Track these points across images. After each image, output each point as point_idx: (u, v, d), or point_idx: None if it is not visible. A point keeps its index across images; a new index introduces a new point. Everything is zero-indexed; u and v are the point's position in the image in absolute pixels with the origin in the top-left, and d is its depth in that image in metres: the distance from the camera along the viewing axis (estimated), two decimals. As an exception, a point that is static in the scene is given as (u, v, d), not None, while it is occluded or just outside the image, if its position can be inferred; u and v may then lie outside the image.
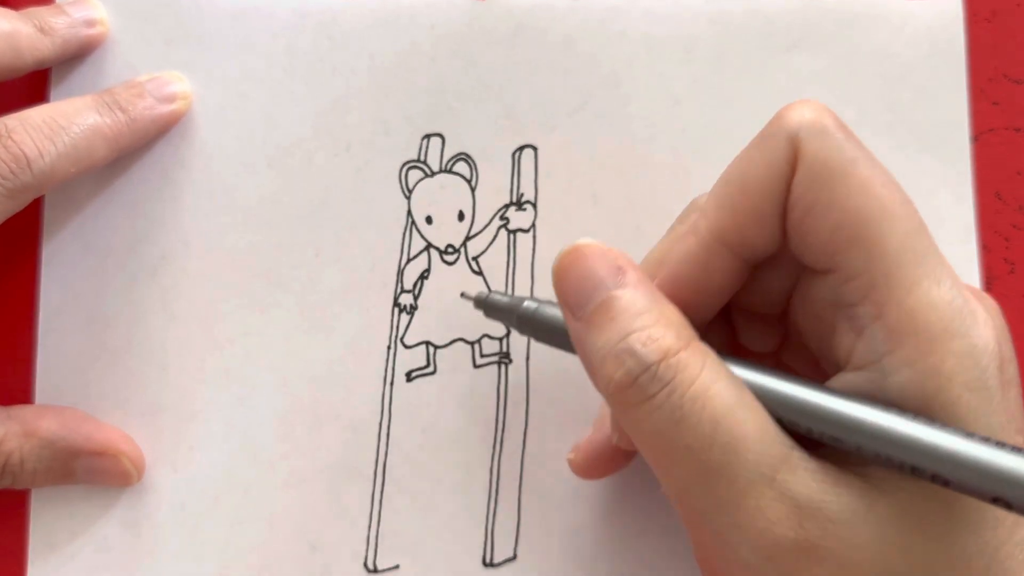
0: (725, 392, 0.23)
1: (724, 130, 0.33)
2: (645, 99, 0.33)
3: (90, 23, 0.33)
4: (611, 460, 0.29)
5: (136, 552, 0.32)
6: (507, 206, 0.33)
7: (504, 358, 0.33)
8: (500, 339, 0.33)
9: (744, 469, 0.22)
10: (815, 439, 0.23)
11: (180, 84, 0.33)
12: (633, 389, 0.23)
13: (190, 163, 0.33)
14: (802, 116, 0.23)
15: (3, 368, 0.33)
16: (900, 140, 0.33)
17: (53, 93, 0.33)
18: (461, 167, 0.33)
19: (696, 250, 0.25)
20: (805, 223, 0.23)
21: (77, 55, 0.33)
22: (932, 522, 0.22)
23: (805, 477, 0.22)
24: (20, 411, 0.31)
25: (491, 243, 0.33)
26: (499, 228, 0.33)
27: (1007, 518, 0.22)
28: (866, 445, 0.22)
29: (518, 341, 0.33)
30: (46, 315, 0.33)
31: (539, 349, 0.33)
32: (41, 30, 0.31)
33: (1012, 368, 0.23)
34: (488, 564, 0.32)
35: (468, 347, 0.33)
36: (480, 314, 0.32)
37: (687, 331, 0.24)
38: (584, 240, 0.26)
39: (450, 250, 0.33)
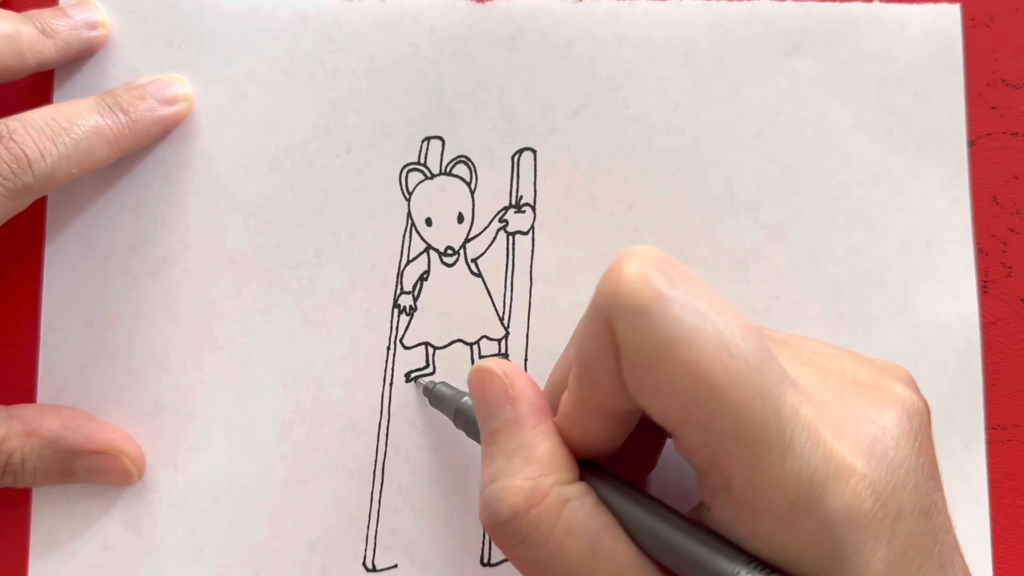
0: (580, 544, 0.23)
1: (723, 134, 0.33)
2: (644, 103, 0.33)
3: (92, 25, 0.33)
4: None
5: (137, 551, 0.32)
6: (506, 208, 0.33)
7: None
8: (499, 340, 0.33)
9: None
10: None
11: (181, 86, 0.33)
12: (494, 537, 0.24)
13: (191, 164, 0.33)
14: (614, 293, 0.21)
15: (5, 367, 0.33)
16: (898, 144, 0.33)
17: (57, 95, 0.33)
18: (461, 169, 0.33)
19: (571, 411, 0.25)
20: (639, 400, 0.22)
21: (79, 57, 0.33)
22: None
23: None
24: (21, 410, 0.31)
25: (490, 245, 0.33)
26: (498, 230, 0.33)
27: None
28: None
29: (517, 342, 0.33)
30: (48, 315, 0.33)
31: (537, 350, 0.33)
32: (43, 32, 0.31)
33: (904, 495, 0.22)
34: (486, 564, 0.32)
35: (467, 348, 0.33)
36: (479, 315, 0.33)
37: (552, 476, 0.24)
38: (488, 362, 0.27)
39: (449, 252, 0.33)
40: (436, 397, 0.31)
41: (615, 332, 0.22)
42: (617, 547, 0.23)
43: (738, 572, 0.21)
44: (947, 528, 0.23)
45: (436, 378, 0.32)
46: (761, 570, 0.21)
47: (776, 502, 0.21)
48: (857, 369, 0.25)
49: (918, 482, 0.22)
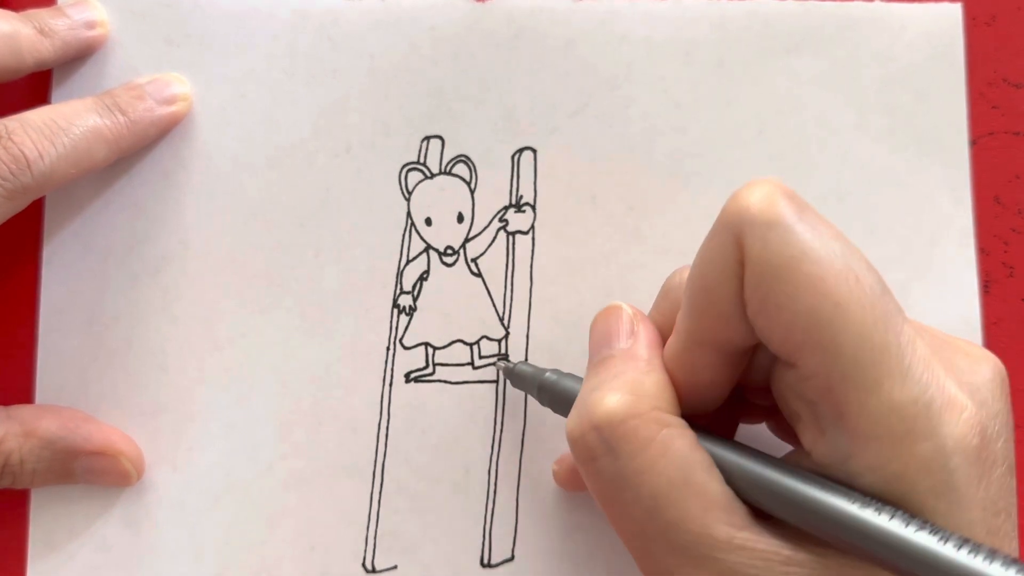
0: (672, 470, 0.23)
1: (724, 133, 0.33)
2: (645, 102, 0.33)
3: (90, 25, 0.33)
4: None
5: (135, 552, 0.32)
6: (506, 208, 0.33)
7: (503, 359, 0.33)
8: (499, 340, 0.33)
9: (683, 545, 0.22)
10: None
11: (180, 86, 0.33)
12: (580, 444, 0.24)
13: (190, 164, 0.33)
14: (744, 209, 0.22)
15: (3, 368, 0.33)
16: (899, 143, 0.33)
17: (55, 94, 0.33)
18: (460, 169, 0.33)
19: (679, 351, 0.25)
20: (760, 321, 0.22)
21: (78, 57, 0.33)
22: None
23: (752, 556, 0.22)
24: (20, 411, 0.31)
25: (490, 245, 0.33)
26: (498, 230, 0.33)
27: None
28: (828, 533, 0.22)
29: (517, 342, 0.33)
30: (47, 315, 0.33)
31: (538, 350, 0.33)
32: (41, 32, 0.31)
33: (999, 445, 0.22)
34: (486, 565, 0.32)
35: (467, 348, 0.33)
36: (479, 315, 0.33)
37: (653, 401, 0.24)
38: (621, 303, 0.27)
39: (449, 252, 0.33)
40: (517, 376, 0.31)
41: (743, 247, 0.22)
42: (710, 483, 0.23)
43: (855, 505, 0.21)
44: (1016, 495, 0.23)
45: (512, 359, 0.32)
46: (876, 502, 0.21)
47: (894, 428, 0.21)
48: (945, 335, 0.25)
49: (1008, 437, 0.23)
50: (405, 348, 0.33)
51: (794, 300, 0.21)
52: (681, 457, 0.23)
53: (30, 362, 0.33)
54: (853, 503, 0.21)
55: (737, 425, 0.29)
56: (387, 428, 0.32)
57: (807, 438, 0.23)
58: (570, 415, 0.24)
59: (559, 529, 0.32)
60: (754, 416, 0.28)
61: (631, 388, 0.24)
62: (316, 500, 0.32)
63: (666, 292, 0.27)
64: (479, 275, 0.33)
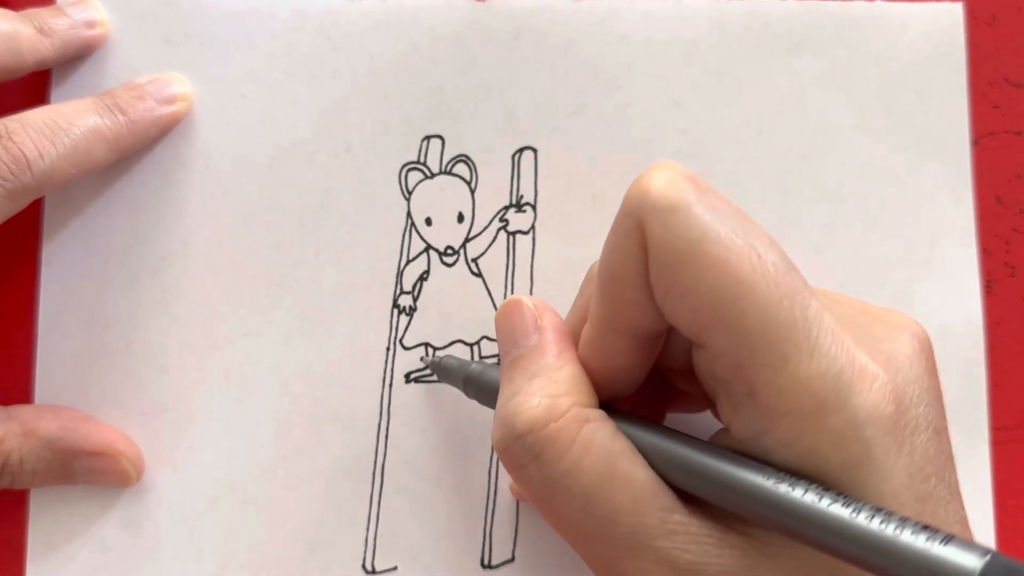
0: (598, 465, 0.23)
1: (724, 133, 0.33)
2: (645, 102, 0.33)
3: (90, 24, 0.33)
4: None
5: (135, 552, 0.32)
6: (506, 208, 0.33)
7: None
8: (499, 341, 0.33)
9: (621, 537, 0.22)
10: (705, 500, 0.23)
11: (180, 86, 0.33)
12: (507, 455, 0.24)
13: (190, 164, 0.33)
14: (645, 194, 0.22)
15: (3, 368, 0.33)
16: (900, 143, 0.33)
17: (54, 94, 0.33)
18: (461, 169, 0.33)
19: (593, 337, 0.25)
20: (667, 305, 0.22)
21: (77, 56, 0.33)
22: None
23: (685, 540, 0.22)
24: (19, 411, 0.31)
25: (490, 245, 0.33)
26: (498, 230, 0.33)
27: None
28: (746, 509, 0.22)
29: (517, 343, 0.33)
30: (46, 315, 0.33)
31: (538, 351, 0.33)
32: (41, 31, 0.31)
33: (920, 410, 0.22)
34: (486, 566, 0.32)
35: (467, 348, 0.33)
36: (479, 315, 0.33)
37: (571, 397, 0.24)
38: (520, 296, 0.27)
39: (449, 252, 0.33)
40: (443, 370, 0.31)
41: (645, 232, 0.22)
42: (635, 471, 0.23)
43: (770, 481, 0.21)
44: (953, 459, 0.23)
45: (440, 353, 0.32)
46: (790, 477, 0.21)
47: (804, 403, 0.21)
48: (864, 304, 0.25)
49: (930, 401, 0.22)
50: (405, 348, 0.33)
51: (698, 282, 0.21)
52: (604, 451, 0.23)
53: (30, 362, 0.33)
54: (768, 479, 0.21)
55: (665, 413, 0.29)
56: (387, 428, 0.32)
57: (725, 416, 0.23)
58: (493, 426, 0.25)
59: (559, 530, 0.32)
60: (692, 404, 0.28)
61: (547, 389, 0.24)
62: (315, 501, 0.32)
63: (590, 277, 0.28)
64: (479, 275, 0.33)
